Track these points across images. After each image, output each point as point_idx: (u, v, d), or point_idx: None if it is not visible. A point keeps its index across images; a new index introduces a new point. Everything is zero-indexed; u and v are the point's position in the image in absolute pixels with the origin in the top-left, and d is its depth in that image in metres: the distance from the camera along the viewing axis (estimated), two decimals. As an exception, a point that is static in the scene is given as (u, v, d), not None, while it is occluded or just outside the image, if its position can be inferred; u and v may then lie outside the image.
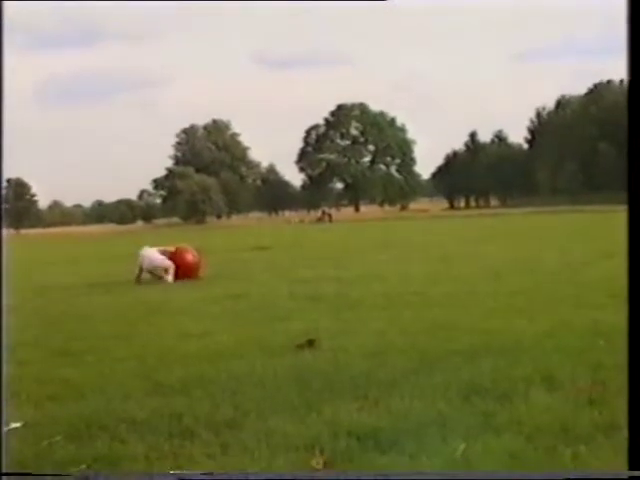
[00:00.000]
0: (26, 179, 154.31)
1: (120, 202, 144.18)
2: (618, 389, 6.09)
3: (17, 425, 5.75)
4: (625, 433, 5.06)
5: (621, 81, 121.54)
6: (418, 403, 5.94)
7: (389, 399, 6.09)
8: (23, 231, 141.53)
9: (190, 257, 18.93)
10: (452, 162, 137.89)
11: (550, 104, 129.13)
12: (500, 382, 6.43)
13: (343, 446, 5.05)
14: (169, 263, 18.18)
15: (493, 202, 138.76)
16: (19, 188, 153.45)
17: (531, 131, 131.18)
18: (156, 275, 18.26)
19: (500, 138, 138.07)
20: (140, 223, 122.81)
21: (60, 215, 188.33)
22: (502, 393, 6.08)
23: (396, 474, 4.76)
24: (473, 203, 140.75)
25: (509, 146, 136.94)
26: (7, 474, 4.36)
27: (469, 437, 5.07)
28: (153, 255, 18.50)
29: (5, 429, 5.55)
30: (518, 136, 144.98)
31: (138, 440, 5.38)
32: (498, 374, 6.72)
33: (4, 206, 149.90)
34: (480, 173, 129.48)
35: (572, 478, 4.51)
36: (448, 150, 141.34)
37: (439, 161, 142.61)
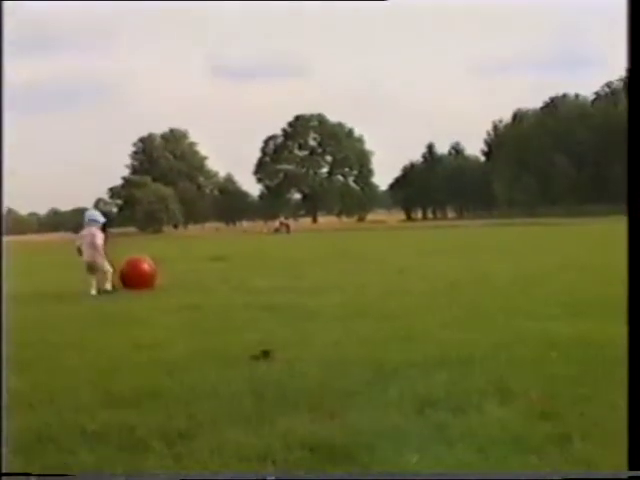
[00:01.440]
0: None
1: (76, 210, 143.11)
2: (570, 401, 6.14)
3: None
4: (577, 444, 5.12)
5: (576, 95, 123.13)
6: (373, 414, 5.94)
7: (344, 410, 6.08)
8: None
9: (146, 266, 18.81)
10: (409, 173, 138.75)
11: (507, 117, 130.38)
12: (454, 394, 6.44)
13: (296, 457, 5.03)
14: (108, 267, 17.98)
15: (450, 214, 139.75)
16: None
17: (488, 143, 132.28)
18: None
19: (457, 150, 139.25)
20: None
21: (14, 223, 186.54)
22: (456, 405, 6.10)
23: (396, 474, 4.76)
24: (430, 214, 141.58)
25: (466, 158, 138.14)
26: (7, 474, 4.30)
27: (422, 449, 5.08)
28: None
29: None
30: (475, 148, 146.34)
31: (89, 452, 5.32)
32: (452, 386, 6.74)
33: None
34: (437, 185, 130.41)
35: (572, 478, 4.53)
36: (406, 162, 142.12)
37: (397, 172, 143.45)
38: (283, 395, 6.65)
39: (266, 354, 8.44)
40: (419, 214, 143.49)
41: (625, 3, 4.14)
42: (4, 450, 4.66)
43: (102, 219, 18.79)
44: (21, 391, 7.20)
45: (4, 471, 4.38)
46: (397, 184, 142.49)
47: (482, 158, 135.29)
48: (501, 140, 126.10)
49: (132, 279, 18.23)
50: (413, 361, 7.92)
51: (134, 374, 7.79)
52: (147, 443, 5.45)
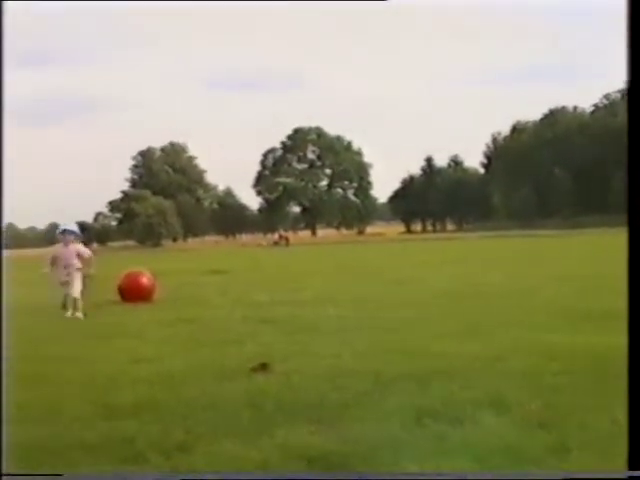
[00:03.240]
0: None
1: (76, 224, 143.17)
2: (568, 412, 6.15)
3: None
4: (575, 454, 5.13)
5: (575, 107, 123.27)
6: (371, 426, 5.95)
7: (342, 422, 6.09)
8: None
9: (145, 280, 18.83)
10: (408, 186, 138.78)
11: (506, 129, 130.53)
12: (451, 405, 6.45)
13: (293, 469, 5.03)
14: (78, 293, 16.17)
15: (449, 226, 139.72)
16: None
17: (487, 156, 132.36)
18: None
19: (456, 162, 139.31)
20: (95, 246, 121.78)
21: (13, 237, 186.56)
22: (453, 416, 6.11)
23: (398, 474, 4.77)
24: (430, 227, 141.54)
25: (465, 170, 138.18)
26: (7, 474, 4.31)
27: (421, 459, 5.08)
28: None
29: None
30: (474, 161, 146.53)
31: (89, 464, 5.32)
32: (450, 397, 6.75)
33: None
34: (436, 197, 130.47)
35: (572, 478, 4.54)
36: (405, 174, 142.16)
37: (396, 185, 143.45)
38: (281, 407, 6.66)
39: (264, 366, 8.45)
40: (418, 226, 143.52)
41: (625, 5, 4.16)
42: (4, 450, 4.66)
43: (78, 231, 17.32)
44: (20, 404, 7.21)
45: (4, 471, 4.38)
46: (396, 197, 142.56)
47: (481, 170, 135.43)
48: (500, 152, 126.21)
49: (131, 293, 18.24)
50: (411, 373, 7.93)
51: (132, 387, 7.80)
52: (145, 455, 5.45)
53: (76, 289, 15.79)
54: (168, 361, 9.35)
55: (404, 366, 8.32)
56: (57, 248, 16.40)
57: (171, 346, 10.67)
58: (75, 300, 15.68)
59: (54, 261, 16.19)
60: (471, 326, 11.43)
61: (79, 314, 15.40)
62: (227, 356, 9.52)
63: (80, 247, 16.54)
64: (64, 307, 15.63)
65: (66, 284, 15.82)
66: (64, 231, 16.56)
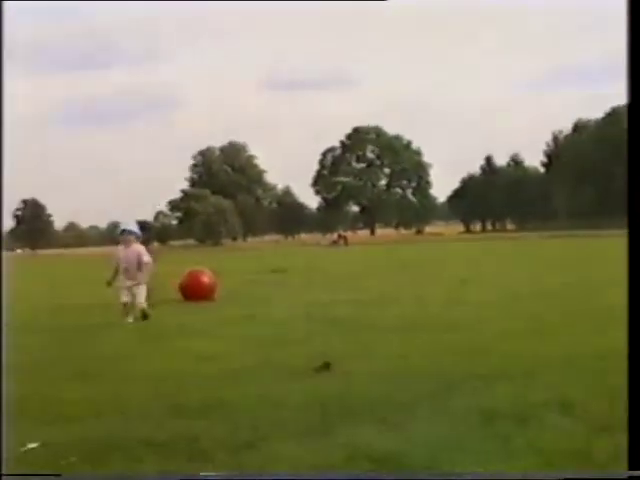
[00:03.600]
0: (42, 200, 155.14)
1: (136, 223, 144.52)
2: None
3: (34, 445, 5.75)
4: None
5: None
6: (437, 427, 5.91)
7: (406, 422, 6.06)
8: (39, 251, 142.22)
9: (206, 279, 18.96)
10: (468, 185, 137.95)
11: (567, 127, 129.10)
12: (518, 406, 6.39)
13: (359, 469, 5.02)
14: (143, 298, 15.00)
15: (509, 226, 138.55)
16: (36, 209, 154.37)
17: (547, 155, 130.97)
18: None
19: (516, 161, 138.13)
20: (156, 244, 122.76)
21: (76, 236, 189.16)
22: (520, 417, 6.05)
23: (396, 474, 4.75)
24: (489, 227, 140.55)
25: (525, 169, 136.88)
26: (7, 475, 4.35)
27: (487, 461, 5.04)
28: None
29: (22, 449, 5.57)
30: (534, 160, 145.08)
31: (155, 461, 5.36)
32: (516, 398, 6.68)
33: (22, 227, 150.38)
34: (496, 197, 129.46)
35: (572, 478, 4.49)
36: (464, 173, 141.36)
37: (455, 184, 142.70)
38: (346, 407, 6.65)
39: (328, 366, 8.45)
40: (478, 226, 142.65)
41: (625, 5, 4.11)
42: (4, 450, 4.70)
43: (138, 231, 15.70)
44: (89, 401, 7.31)
45: (4, 472, 4.41)
46: (455, 196, 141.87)
47: (542, 169, 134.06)
48: (561, 151, 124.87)
49: (193, 291, 18.38)
50: (475, 373, 7.87)
51: (198, 385, 7.86)
52: (211, 454, 5.47)
53: (140, 295, 14.72)
54: (232, 360, 9.39)
55: (469, 366, 8.26)
56: (119, 250, 15.25)
57: (235, 345, 10.73)
58: (138, 307, 14.64)
59: (116, 265, 15.05)
60: (536, 326, 11.33)
61: (142, 319, 14.39)
62: (290, 355, 9.55)
63: (141, 250, 15.17)
64: (126, 313, 14.53)
65: (128, 289, 14.73)
66: (123, 231, 15.48)
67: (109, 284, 15.00)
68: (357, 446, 5.48)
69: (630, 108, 4.06)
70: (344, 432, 5.86)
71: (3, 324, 4.67)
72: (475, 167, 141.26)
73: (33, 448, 5.72)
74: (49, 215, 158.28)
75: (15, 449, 5.71)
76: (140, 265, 14.81)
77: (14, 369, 9.31)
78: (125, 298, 14.64)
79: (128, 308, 14.55)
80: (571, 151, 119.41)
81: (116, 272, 14.96)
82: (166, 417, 6.59)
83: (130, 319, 14.37)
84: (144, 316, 14.41)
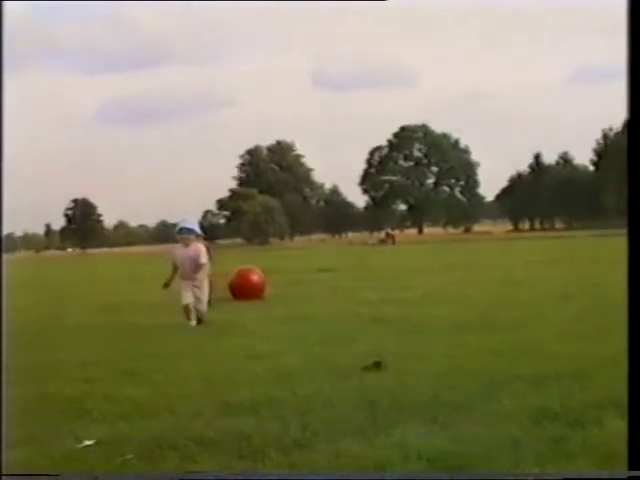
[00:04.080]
0: (92, 199, 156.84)
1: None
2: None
3: (90, 442, 5.84)
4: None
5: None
6: (487, 427, 5.90)
7: (458, 422, 6.06)
8: (89, 250, 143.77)
9: (255, 277, 19.05)
10: (516, 184, 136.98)
11: (618, 124, 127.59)
12: (570, 407, 6.35)
13: (413, 468, 5.03)
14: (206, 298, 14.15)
15: (558, 225, 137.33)
16: (86, 208, 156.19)
17: (597, 153, 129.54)
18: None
19: (565, 160, 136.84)
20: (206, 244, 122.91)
21: (125, 235, 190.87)
22: (573, 418, 6.01)
23: (395, 474, 4.75)
24: (538, 225, 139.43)
25: (575, 168, 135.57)
26: (7, 475, 4.40)
27: (541, 461, 5.03)
28: None
29: (79, 446, 5.66)
30: (584, 158, 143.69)
31: (208, 460, 5.42)
32: (568, 399, 6.64)
33: (72, 226, 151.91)
34: (545, 195, 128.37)
35: (572, 478, 4.47)
36: (512, 172, 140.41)
37: (503, 183, 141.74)
38: (396, 406, 6.66)
39: (378, 365, 8.46)
40: (526, 225, 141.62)
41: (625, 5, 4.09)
42: (4, 450, 4.75)
43: (197, 229, 14.45)
44: (141, 399, 7.40)
45: (4, 472, 4.46)
46: (504, 195, 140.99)
47: (591, 168, 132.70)
48: (611, 149, 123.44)
49: (242, 290, 18.47)
50: (525, 373, 7.83)
51: (248, 383, 7.91)
52: (263, 452, 5.51)
53: (203, 299, 13.82)
54: (283, 358, 9.43)
55: (518, 367, 8.21)
56: (176, 250, 14.19)
57: (285, 343, 10.78)
58: (199, 311, 13.71)
59: (174, 265, 14.06)
60: (587, 326, 11.23)
61: (204, 325, 13.46)
62: (340, 354, 9.56)
63: (201, 250, 14.00)
64: (188, 316, 13.61)
65: (188, 291, 13.71)
66: (182, 230, 14.14)
67: (167, 286, 14.13)
68: (411, 445, 5.47)
69: (630, 108, 4.04)
70: (396, 431, 5.86)
71: (3, 323, 4.73)
72: (524, 165, 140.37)
73: (89, 445, 5.81)
74: (99, 214, 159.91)
75: (72, 445, 5.82)
76: (198, 266, 13.79)
77: (70, 367, 9.48)
78: (187, 300, 13.64)
79: (190, 311, 13.60)
80: (621, 149, 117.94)
81: (174, 272, 14.05)
82: (216, 415, 6.64)
83: (193, 322, 13.49)
84: (198, 320, 13.62)
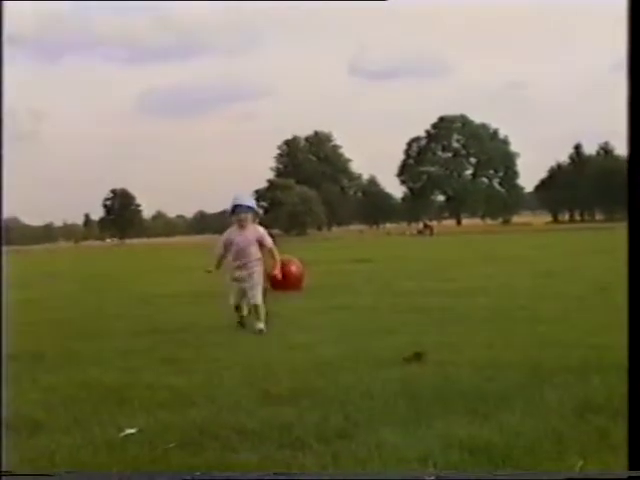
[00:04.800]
0: (131, 190, 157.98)
1: (222, 213, 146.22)
2: None
3: (132, 431, 5.86)
4: None
5: None
6: (530, 418, 5.85)
7: (500, 414, 6.01)
8: (128, 241, 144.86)
9: (294, 268, 19.04)
10: (556, 175, 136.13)
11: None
12: (614, 399, 6.28)
13: (456, 459, 5.00)
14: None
15: (598, 216, 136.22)
16: (124, 199, 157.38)
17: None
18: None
19: (606, 150, 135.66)
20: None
21: (163, 225, 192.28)
22: (617, 410, 5.95)
23: (395, 474, 4.72)
24: (578, 217, 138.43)
25: (615, 159, 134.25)
26: (7, 474, 4.42)
27: (586, 453, 4.97)
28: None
29: (121, 434, 5.69)
30: (625, 148, 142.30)
31: (249, 449, 5.41)
32: (611, 391, 6.57)
33: (110, 216, 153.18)
34: (585, 186, 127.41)
35: (572, 478, 4.42)
36: (552, 163, 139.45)
37: (543, 174, 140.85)
38: (438, 397, 6.62)
39: (418, 356, 8.42)
40: (566, 216, 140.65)
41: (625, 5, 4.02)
42: (4, 450, 4.75)
43: (254, 205, 12.11)
44: (181, 388, 7.43)
45: (4, 471, 4.46)
46: (543, 186, 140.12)
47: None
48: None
49: (281, 280, 18.44)
50: (568, 365, 7.76)
51: (289, 374, 7.90)
52: (305, 442, 5.50)
53: (257, 293, 11.80)
54: (322, 348, 9.42)
55: (561, 358, 8.15)
56: (230, 233, 11.76)
57: (324, 334, 10.76)
58: (256, 307, 11.70)
59: (226, 250, 11.75)
60: (625, 319, 11.10)
61: (261, 325, 11.47)
62: (380, 344, 9.54)
63: (261, 230, 11.79)
64: (239, 312, 12.02)
65: (242, 281, 11.81)
66: (238, 207, 11.61)
67: (210, 271, 11.88)
68: (452, 437, 5.45)
69: (630, 107, 3.97)
70: (438, 423, 5.82)
71: (3, 321, 4.75)
72: (564, 156, 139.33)
73: (131, 434, 5.83)
74: (138, 205, 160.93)
75: (114, 434, 5.85)
76: (257, 252, 11.77)
77: (113, 358, 9.54)
78: (236, 299, 11.92)
79: (243, 312, 12.02)
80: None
81: (221, 261, 11.93)
82: (257, 405, 6.65)
83: (261, 325, 11.51)
84: (241, 323, 11.98)
